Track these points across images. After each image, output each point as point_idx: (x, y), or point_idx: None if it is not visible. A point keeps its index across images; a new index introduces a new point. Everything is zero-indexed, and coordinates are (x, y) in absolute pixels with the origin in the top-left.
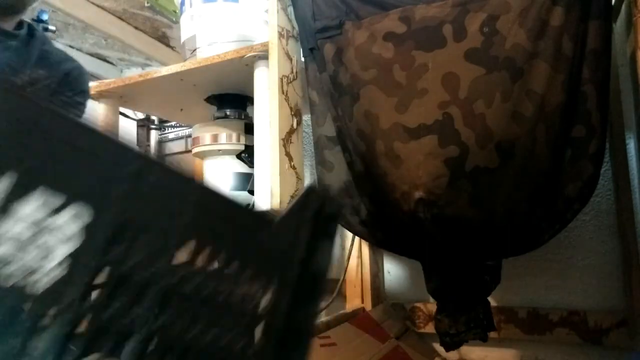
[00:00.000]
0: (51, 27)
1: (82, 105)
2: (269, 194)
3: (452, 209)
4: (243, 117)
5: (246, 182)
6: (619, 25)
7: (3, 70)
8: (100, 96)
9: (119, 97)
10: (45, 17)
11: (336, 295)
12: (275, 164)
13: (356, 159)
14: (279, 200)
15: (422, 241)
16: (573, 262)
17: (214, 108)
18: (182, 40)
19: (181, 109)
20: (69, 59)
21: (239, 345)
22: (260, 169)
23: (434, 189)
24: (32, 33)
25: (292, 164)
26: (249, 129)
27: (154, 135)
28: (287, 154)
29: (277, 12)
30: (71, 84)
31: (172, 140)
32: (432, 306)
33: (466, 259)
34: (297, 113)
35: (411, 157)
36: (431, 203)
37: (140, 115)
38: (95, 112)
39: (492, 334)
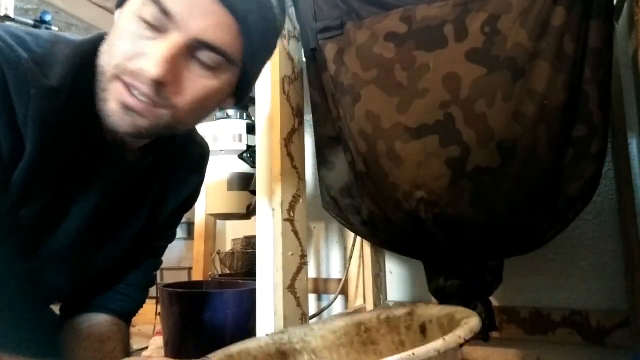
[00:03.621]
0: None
1: None
2: (270, 194)
3: (453, 209)
4: (245, 117)
5: (248, 182)
6: (620, 25)
7: None
8: None
9: None
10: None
11: (338, 295)
12: (276, 164)
13: (357, 159)
14: (280, 201)
15: (424, 241)
16: (575, 262)
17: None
18: None
19: None
20: None
21: None
22: (261, 169)
23: (436, 189)
24: None
25: (294, 164)
26: (250, 129)
27: None
28: (289, 154)
29: None
30: None
31: None
32: None
33: (468, 259)
34: (298, 113)
35: (412, 157)
36: (432, 203)
37: None
38: None
39: (494, 334)
